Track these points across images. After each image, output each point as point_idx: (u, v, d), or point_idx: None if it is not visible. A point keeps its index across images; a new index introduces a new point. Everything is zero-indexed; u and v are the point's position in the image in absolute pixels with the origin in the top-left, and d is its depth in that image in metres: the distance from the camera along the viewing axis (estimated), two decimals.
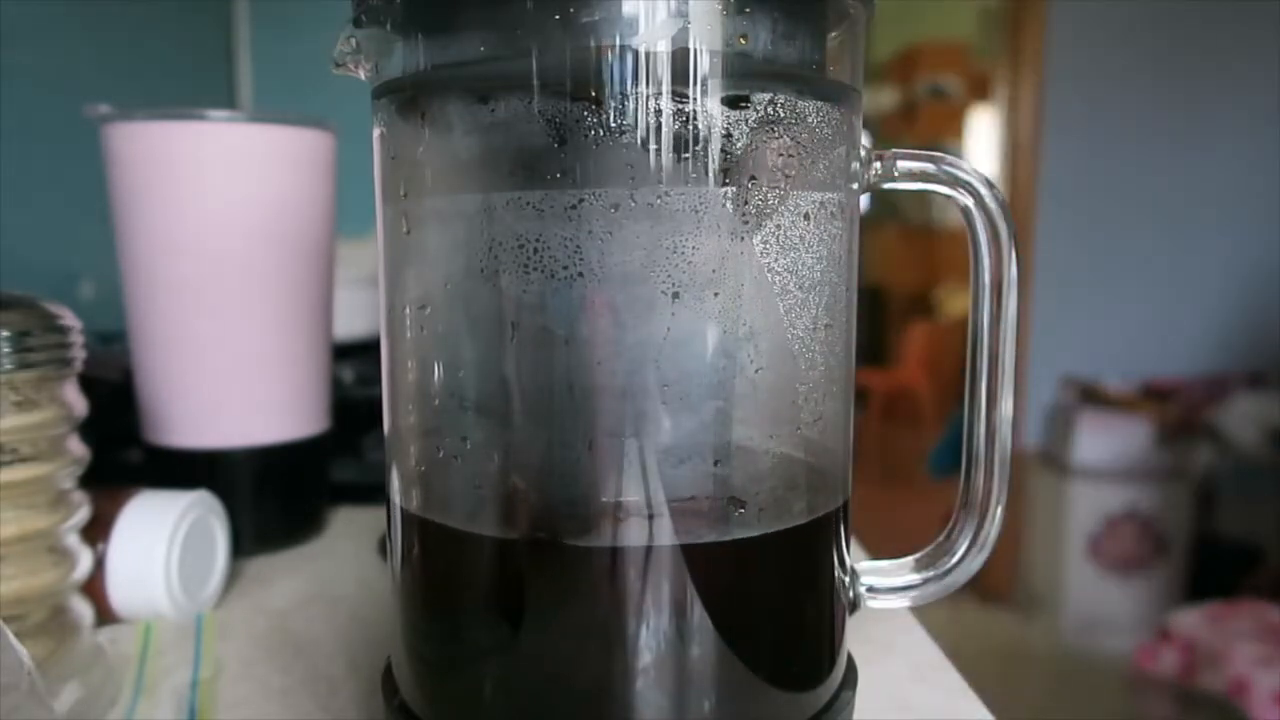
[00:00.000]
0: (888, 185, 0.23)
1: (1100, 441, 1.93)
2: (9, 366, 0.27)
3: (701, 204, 0.19)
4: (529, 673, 0.20)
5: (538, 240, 0.19)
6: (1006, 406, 0.24)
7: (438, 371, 0.22)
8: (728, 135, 0.19)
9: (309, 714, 0.28)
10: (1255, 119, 2.36)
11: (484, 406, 0.20)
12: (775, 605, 0.21)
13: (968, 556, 0.25)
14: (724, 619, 0.20)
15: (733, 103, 0.19)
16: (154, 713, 0.29)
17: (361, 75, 0.23)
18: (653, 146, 0.19)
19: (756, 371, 0.20)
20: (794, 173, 0.20)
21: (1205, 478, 1.96)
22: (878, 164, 0.23)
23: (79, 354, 0.30)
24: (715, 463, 0.20)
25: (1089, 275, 2.13)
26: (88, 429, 0.31)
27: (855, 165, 0.23)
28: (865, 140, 0.23)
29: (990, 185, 0.23)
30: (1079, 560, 1.94)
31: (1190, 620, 1.37)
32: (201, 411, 0.40)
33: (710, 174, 0.19)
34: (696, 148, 0.19)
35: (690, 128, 0.19)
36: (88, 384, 0.31)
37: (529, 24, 0.19)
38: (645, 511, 0.19)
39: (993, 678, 1.72)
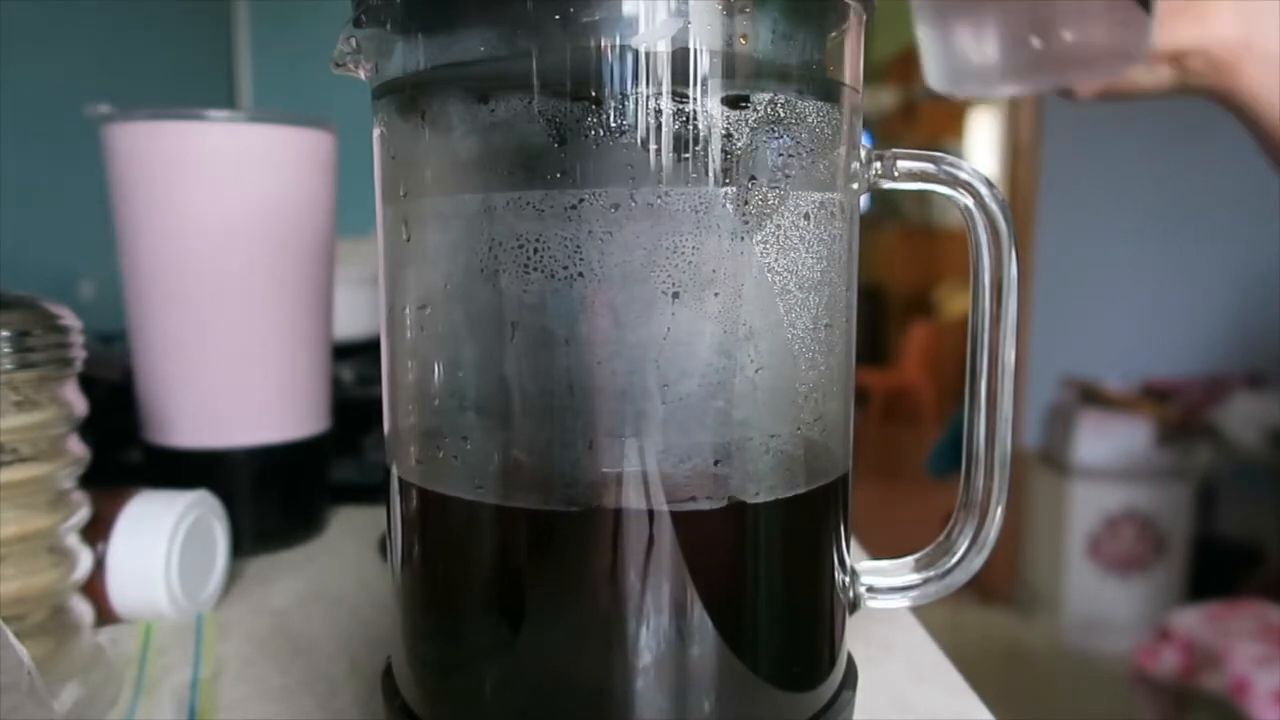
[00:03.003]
0: (888, 185, 0.23)
1: (1100, 441, 1.93)
2: (9, 366, 0.27)
3: (701, 204, 0.19)
4: (529, 671, 0.20)
5: (538, 240, 0.19)
6: (1006, 406, 0.24)
7: (438, 371, 0.22)
8: (728, 135, 0.19)
9: (309, 714, 0.29)
10: None
11: (484, 406, 0.20)
12: (775, 605, 0.21)
13: (968, 556, 0.25)
14: (724, 618, 0.20)
15: (733, 103, 0.19)
16: (154, 713, 0.29)
17: (361, 75, 0.23)
18: (653, 146, 0.19)
19: (756, 371, 0.20)
20: (794, 173, 0.20)
21: (1205, 478, 1.95)
22: (878, 164, 0.23)
23: (79, 354, 0.30)
24: (715, 462, 0.20)
25: (1089, 275, 2.12)
26: (88, 429, 0.31)
27: (855, 165, 0.23)
28: (865, 140, 0.23)
29: (990, 185, 0.23)
30: (1079, 560, 1.94)
31: (1190, 620, 1.37)
32: (201, 411, 0.40)
33: (710, 174, 0.19)
34: (696, 148, 0.19)
35: (690, 128, 0.19)
36: (88, 384, 0.31)
37: (529, 24, 0.19)
38: (645, 511, 0.19)
39: (993, 678, 1.72)
